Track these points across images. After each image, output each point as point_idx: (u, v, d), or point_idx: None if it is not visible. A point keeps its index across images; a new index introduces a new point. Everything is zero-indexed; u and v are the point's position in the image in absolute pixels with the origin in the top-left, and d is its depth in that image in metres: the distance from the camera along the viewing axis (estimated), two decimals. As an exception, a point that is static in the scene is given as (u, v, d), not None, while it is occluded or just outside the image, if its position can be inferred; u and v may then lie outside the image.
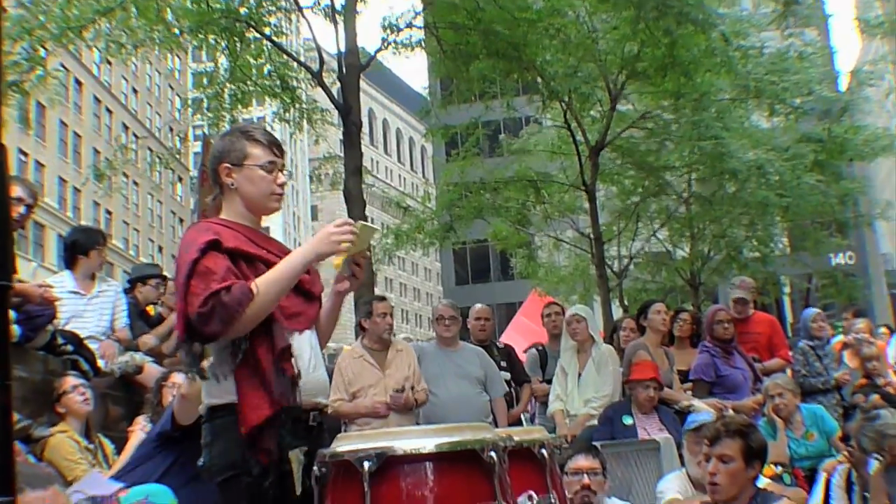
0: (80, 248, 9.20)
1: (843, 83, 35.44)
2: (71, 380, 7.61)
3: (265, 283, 4.03)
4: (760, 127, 31.30)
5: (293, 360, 4.17)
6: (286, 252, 4.47)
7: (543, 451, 4.07)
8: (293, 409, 4.17)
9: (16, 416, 6.73)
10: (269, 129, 4.76)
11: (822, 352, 11.09)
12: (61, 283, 8.85)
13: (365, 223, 4.54)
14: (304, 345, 4.35)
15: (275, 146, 4.47)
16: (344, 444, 3.62)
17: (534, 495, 3.86)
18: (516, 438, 3.96)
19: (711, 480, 5.42)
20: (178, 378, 7.37)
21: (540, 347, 11.66)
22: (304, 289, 4.41)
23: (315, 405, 4.34)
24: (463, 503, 3.41)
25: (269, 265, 4.23)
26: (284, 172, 4.48)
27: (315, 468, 3.72)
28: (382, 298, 9.37)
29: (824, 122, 31.42)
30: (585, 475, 6.22)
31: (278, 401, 4.05)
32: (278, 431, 4.07)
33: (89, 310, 9.09)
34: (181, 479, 6.23)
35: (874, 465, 7.40)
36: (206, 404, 4.25)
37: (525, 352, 11.88)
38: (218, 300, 3.92)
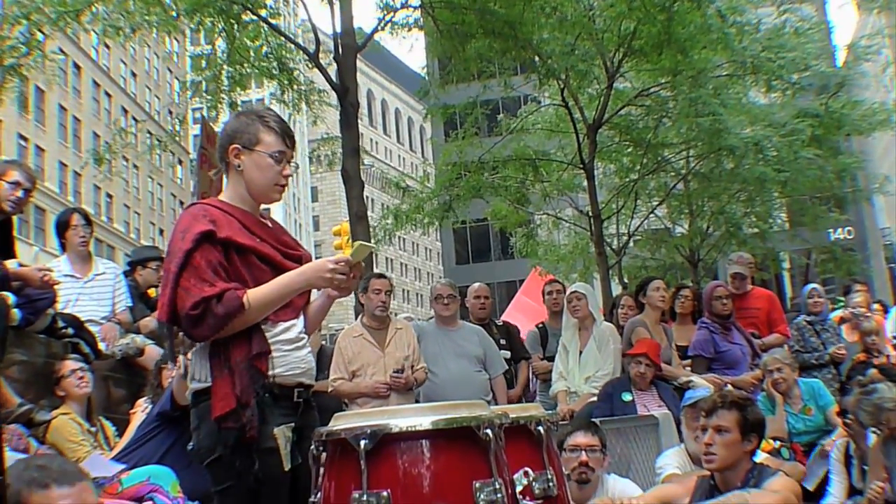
0: (60, 226, 9.29)
1: (840, 58, 35.37)
2: (70, 364, 7.64)
3: (256, 300, 4.11)
4: (758, 103, 31.22)
5: (269, 359, 4.23)
6: (279, 241, 4.53)
7: (540, 428, 4.09)
8: (274, 387, 4.22)
9: (17, 400, 6.80)
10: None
11: (821, 326, 11.11)
12: (57, 268, 8.88)
13: (363, 243, 4.62)
14: (292, 329, 4.41)
15: (288, 137, 4.49)
16: (340, 423, 3.63)
17: (530, 472, 3.89)
18: (512, 415, 3.97)
19: (707, 451, 5.45)
20: (178, 359, 7.41)
21: (541, 325, 11.69)
22: None
23: (298, 384, 4.37)
24: (459, 480, 3.42)
25: (261, 256, 4.30)
26: (292, 165, 4.51)
27: (312, 446, 3.74)
28: (381, 276, 9.37)
29: (821, 97, 31.35)
30: (584, 452, 6.24)
31: (241, 397, 4.10)
32: (257, 412, 4.11)
33: (86, 294, 9.11)
34: (182, 459, 6.27)
35: (872, 438, 7.44)
36: (192, 389, 4.31)
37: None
38: (209, 308, 4.00)
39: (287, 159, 4.46)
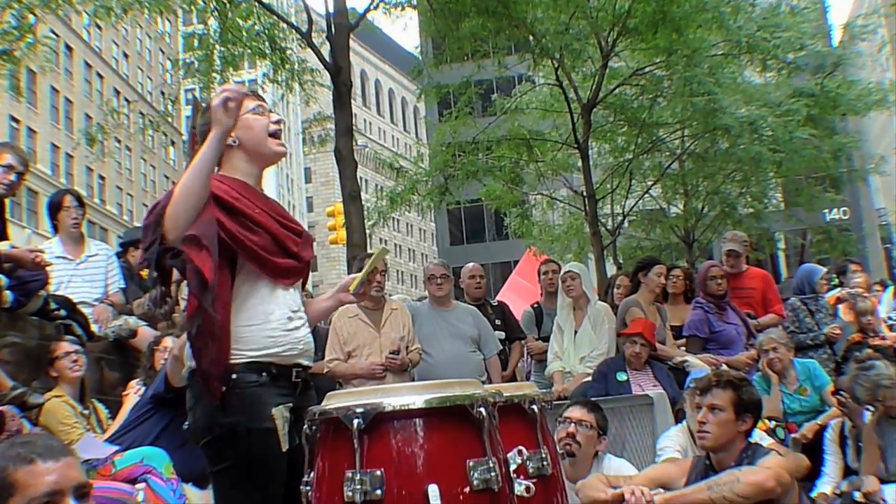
0: (52, 207, 9.27)
1: (836, 38, 35.33)
2: (65, 345, 7.63)
3: (182, 178, 4.06)
4: (753, 82, 31.25)
5: (263, 297, 4.26)
6: (277, 212, 4.52)
7: (534, 407, 4.07)
8: (272, 366, 4.20)
9: (10, 383, 6.79)
10: (259, 90, 4.77)
11: (815, 306, 11.09)
12: (50, 250, 8.87)
13: (383, 247, 4.66)
14: (289, 300, 4.39)
15: (254, 93, 4.53)
16: (333, 402, 3.63)
17: (524, 451, 3.88)
18: (506, 394, 3.96)
19: (700, 428, 5.45)
20: (170, 342, 7.39)
21: (536, 305, 11.69)
22: (291, 251, 4.44)
23: (296, 364, 4.35)
24: (453, 459, 3.41)
25: (252, 220, 4.27)
26: (274, 115, 4.51)
27: (305, 426, 3.72)
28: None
29: (817, 76, 31.34)
30: (572, 424, 6.23)
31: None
32: (257, 391, 4.11)
33: (79, 275, 9.10)
34: (176, 440, 6.27)
35: (868, 416, 7.45)
36: (188, 367, 4.28)
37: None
38: (154, 208, 4.03)
39: (266, 109, 4.48)
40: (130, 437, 6.68)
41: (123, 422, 7.22)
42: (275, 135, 4.44)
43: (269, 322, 4.23)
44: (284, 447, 4.11)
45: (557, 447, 5.64)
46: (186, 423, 4.28)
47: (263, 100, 4.56)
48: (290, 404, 4.19)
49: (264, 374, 4.15)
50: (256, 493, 4.13)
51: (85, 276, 9.13)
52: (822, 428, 8.56)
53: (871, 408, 7.45)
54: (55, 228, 9.26)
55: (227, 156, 4.42)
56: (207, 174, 4.09)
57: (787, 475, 5.06)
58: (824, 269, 11.89)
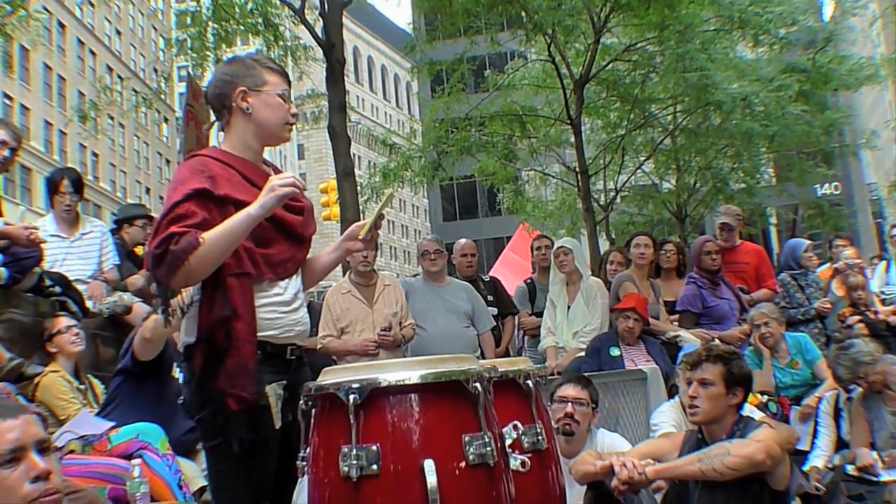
0: (49, 186, 9.26)
1: (828, 13, 35.37)
2: (64, 320, 7.66)
3: (212, 237, 3.96)
4: (745, 58, 31.17)
5: (262, 287, 4.21)
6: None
7: (529, 382, 4.10)
8: (267, 345, 4.20)
9: (7, 355, 6.81)
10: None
11: (806, 281, 11.12)
12: (44, 227, 8.87)
13: (390, 192, 4.67)
14: (289, 288, 4.39)
15: (286, 77, 4.48)
16: (329, 377, 3.64)
17: (519, 425, 3.91)
18: (501, 369, 3.98)
19: (691, 403, 5.46)
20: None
21: (529, 281, 11.72)
22: (295, 232, 4.42)
23: (292, 343, 4.36)
24: (448, 434, 3.43)
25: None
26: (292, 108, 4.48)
27: (301, 401, 3.74)
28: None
29: (809, 52, 31.30)
30: (570, 403, 6.25)
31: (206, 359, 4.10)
32: (253, 373, 4.08)
33: (73, 253, 9.10)
34: (150, 414, 6.32)
35: (858, 391, 7.50)
36: (184, 342, 4.28)
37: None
38: (168, 245, 3.92)
39: (289, 97, 4.43)
40: (112, 417, 6.70)
41: (104, 402, 7.27)
42: (289, 124, 4.42)
43: (267, 307, 4.22)
44: (277, 424, 4.13)
45: (555, 426, 5.67)
46: (181, 397, 4.31)
47: (291, 85, 4.51)
48: (284, 381, 4.21)
49: (259, 352, 4.13)
50: (249, 469, 4.13)
51: (79, 253, 9.13)
52: (802, 398, 8.66)
53: (855, 385, 7.53)
54: (51, 205, 9.26)
55: (235, 120, 4.36)
56: (235, 245, 4.06)
57: (777, 448, 5.09)
58: (808, 243, 11.92)
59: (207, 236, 3.95)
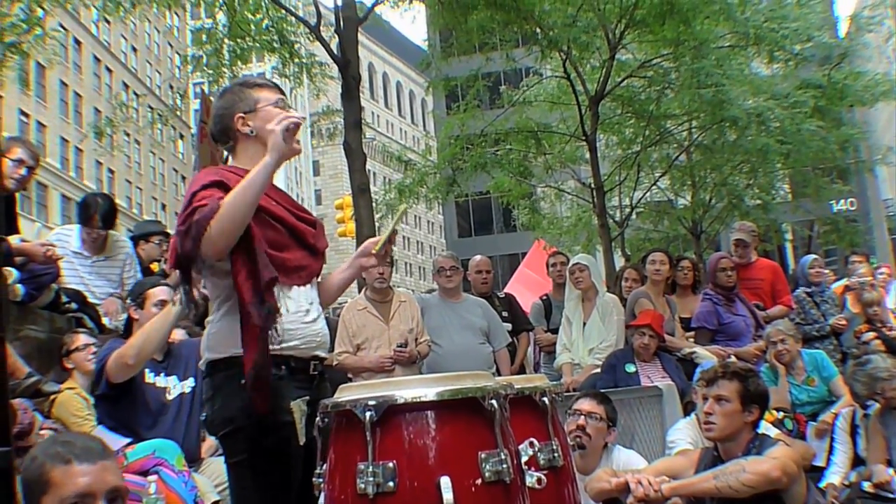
0: (84, 212, 9.08)
1: (843, 29, 35.31)
2: (82, 337, 7.65)
3: (229, 197, 3.98)
4: (760, 74, 31.13)
5: (278, 296, 4.16)
6: (293, 205, 4.54)
7: (545, 399, 4.11)
8: (291, 360, 4.22)
9: (26, 369, 6.82)
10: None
11: (821, 297, 11.11)
12: (67, 240, 8.84)
13: (405, 206, 4.66)
14: (303, 297, 4.39)
15: (276, 86, 4.54)
16: (346, 394, 3.65)
17: (535, 442, 3.90)
18: (517, 386, 4.00)
19: (706, 419, 5.47)
20: (178, 335, 7.41)
21: (544, 297, 11.71)
22: (307, 243, 4.45)
23: (314, 356, 4.37)
24: (464, 451, 3.43)
25: (272, 215, 4.27)
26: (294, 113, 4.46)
27: (318, 418, 3.75)
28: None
29: (824, 68, 31.28)
30: (582, 416, 6.25)
31: (261, 334, 4.05)
32: (276, 384, 4.10)
33: (95, 272, 9.04)
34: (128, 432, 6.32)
35: (875, 407, 7.48)
36: (206, 359, 4.29)
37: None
38: (192, 217, 3.96)
39: (287, 104, 4.47)
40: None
41: None
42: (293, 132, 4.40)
43: (286, 316, 4.21)
44: (302, 440, 4.12)
45: (568, 439, 5.67)
46: (203, 414, 4.31)
47: (285, 93, 4.57)
48: (307, 397, 4.21)
49: (283, 367, 4.16)
50: (273, 486, 4.14)
51: (101, 273, 9.06)
52: (818, 415, 8.64)
53: (873, 401, 7.50)
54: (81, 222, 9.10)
55: (242, 145, 4.42)
56: (256, 199, 4.04)
57: (793, 465, 5.09)
58: (812, 258, 11.92)
59: (227, 197, 3.98)
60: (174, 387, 6.51)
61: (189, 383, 6.55)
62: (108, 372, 6.24)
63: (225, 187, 4.11)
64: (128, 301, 6.82)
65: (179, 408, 6.49)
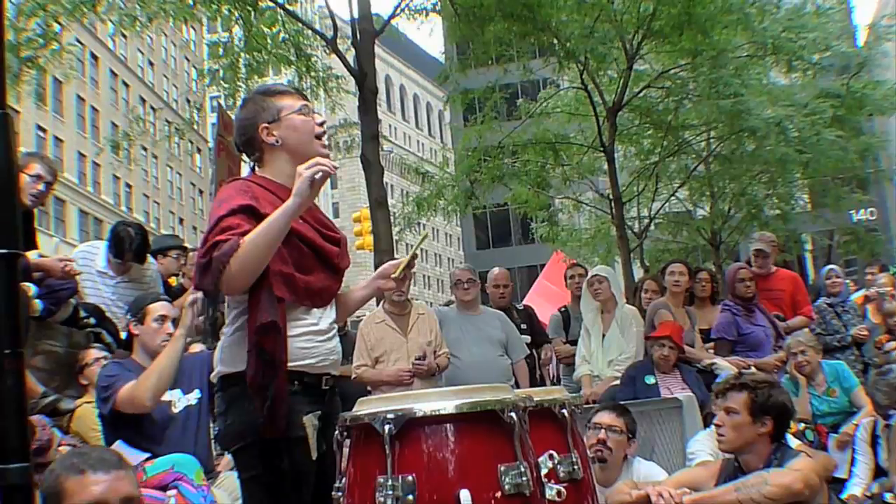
0: (116, 242, 8.95)
1: (861, 38, 35.21)
2: (94, 353, 7.66)
3: (251, 236, 3.95)
4: (779, 84, 31.11)
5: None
6: (318, 220, 4.48)
7: (564, 411, 4.08)
8: (304, 375, 4.19)
9: (41, 389, 6.81)
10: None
11: (842, 308, 11.07)
12: (92, 260, 8.84)
13: (426, 233, 4.65)
14: (322, 317, 4.37)
15: (299, 92, 4.50)
16: (364, 408, 3.63)
17: (555, 455, 3.88)
18: (536, 399, 3.97)
19: (718, 431, 5.47)
20: (197, 348, 7.40)
21: (563, 309, 11.69)
22: (332, 262, 4.42)
23: (327, 373, 4.35)
24: (484, 464, 3.41)
25: (302, 237, 4.24)
26: (318, 115, 4.46)
27: (336, 432, 3.74)
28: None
29: (843, 77, 31.24)
30: (603, 430, 6.23)
31: (252, 382, 4.03)
32: (290, 401, 4.07)
33: (117, 293, 9.01)
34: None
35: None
36: (218, 373, 4.27)
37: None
38: (213, 252, 3.93)
39: (311, 109, 4.43)
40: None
41: None
42: (320, 137, 4.39)
43: (304, 336, 4.21)
44: (314, 455, 4.11)
45: (588, 452, 5.64)
46: (215, 427, 4.29)
47: (308, 99, 4.53)
48: (319, 412, 4.19)
49: (296, 383, 4.13)
50: (287, 501, 4.11)
51: (123, 294, 9.00)
52: (839, 426, 8.59)
53: (894, 412, 7.46)
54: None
55: (268, 155, 4.38)
56: (277, 241, 4.00)
57: (815, 477, 5.06)
58: (828, 268, 11.90)
59: (248, 238, 3.94)
60: (178, 400, 6.47)
61: (195, 395, 6.51)
62: (120, 406, 6.21)
63: (253, 212, 4.07)
64: (128, 317, 6.78)
65: (187, 420, 6.46)
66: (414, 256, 4.50)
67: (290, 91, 4.46)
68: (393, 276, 4.48)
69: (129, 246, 8.82)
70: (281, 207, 4.01)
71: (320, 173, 4.00)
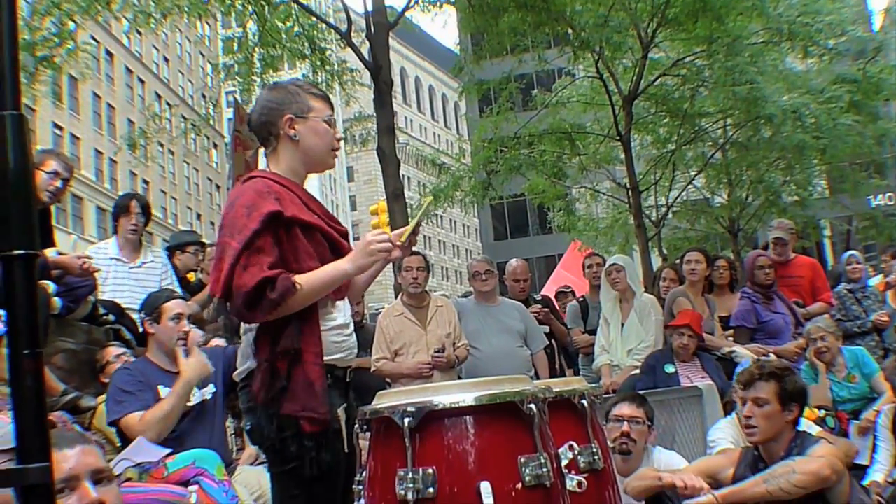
0: (117, 210, 9.20)
1: (877, 23, 35.13)
2: (113, 350, 7.66)
3: (309, 284, 4.01)
4: (795, 70, 31.03)
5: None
6: (330, 216, 4.49)
7: (584, 402, 4.06)
8: (334, 369, 4.21)
9: (61, 387, 6.82)
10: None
11: (863, 294, 11.02)
12: (105, 251, 8.89)
13: (430, 199, 4.63)
14: (343, 310, 4.41)
15: (330, 103, 4.48)
16: (384, 401, 3.63)
17: (575, 446, 3.87)
18: (556, 389, 3.96)
19: (747, 423, 5.42)
20: (215, 342, 7.40)
21: (581, 298, 11.67)
22: (343, 254, 4.37)
23: (348, 364, 4.37)
24: (504, 455, 3.40)
25: (325, 234, 4.27)
26: (338, 133, 4.48)
27: (356, 425, 3.74)
28: (414, 253, 9.30)
29: (859, 62, 31.19)
30: (626, 422, 6.21)
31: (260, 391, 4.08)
32: (323, 394, 4.05)
33: (132, 279, 9.04)
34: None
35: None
36: (244, 368, 4.25)
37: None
38: (265, 290, 3.92)
39: (333, 121, 4.44)
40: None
41: None
42: (335, 150, 4.42)
43: (333, 329, 4.24)
44: (346, 448, 4.10)
45: (612, 445, 5.64)
46: (245, 423, 4.29)
47: (334, 110, 4.54)
48: (345, 405, 4.20)
49: (329, 376, 4.13)
50: (319, 494, 4.12)
51: (138, 280, 9.06)
52: (860, 412, 8.55)
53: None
54: (116, 230, 9.19)
55: (281, 147, 4.34)
56: (325, 294, 4.15)
57: (840, 463, 5.04)
58: (849, 254, 11.85)
59: (304, 282, 4.01)
60: (193, 393, 6.48)
61: (209, 390, 6.51)
62: (122, 429, 6.23)
63: (279, 220, 4.07)
64: (142, 315, 6.78)
65: (201, 414, 6.46)
66: (419, 223, 4.50)
67: (323, 97, 4.44)
68: (399, 241, 4.48)
69: (134, 197, 9.21)
70: (338, 268, 4.15)
71: (382, 256, 4.17)
